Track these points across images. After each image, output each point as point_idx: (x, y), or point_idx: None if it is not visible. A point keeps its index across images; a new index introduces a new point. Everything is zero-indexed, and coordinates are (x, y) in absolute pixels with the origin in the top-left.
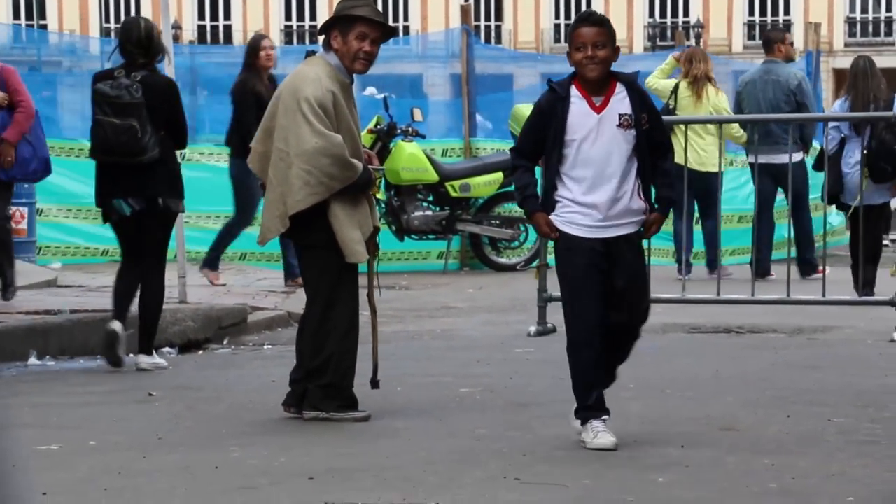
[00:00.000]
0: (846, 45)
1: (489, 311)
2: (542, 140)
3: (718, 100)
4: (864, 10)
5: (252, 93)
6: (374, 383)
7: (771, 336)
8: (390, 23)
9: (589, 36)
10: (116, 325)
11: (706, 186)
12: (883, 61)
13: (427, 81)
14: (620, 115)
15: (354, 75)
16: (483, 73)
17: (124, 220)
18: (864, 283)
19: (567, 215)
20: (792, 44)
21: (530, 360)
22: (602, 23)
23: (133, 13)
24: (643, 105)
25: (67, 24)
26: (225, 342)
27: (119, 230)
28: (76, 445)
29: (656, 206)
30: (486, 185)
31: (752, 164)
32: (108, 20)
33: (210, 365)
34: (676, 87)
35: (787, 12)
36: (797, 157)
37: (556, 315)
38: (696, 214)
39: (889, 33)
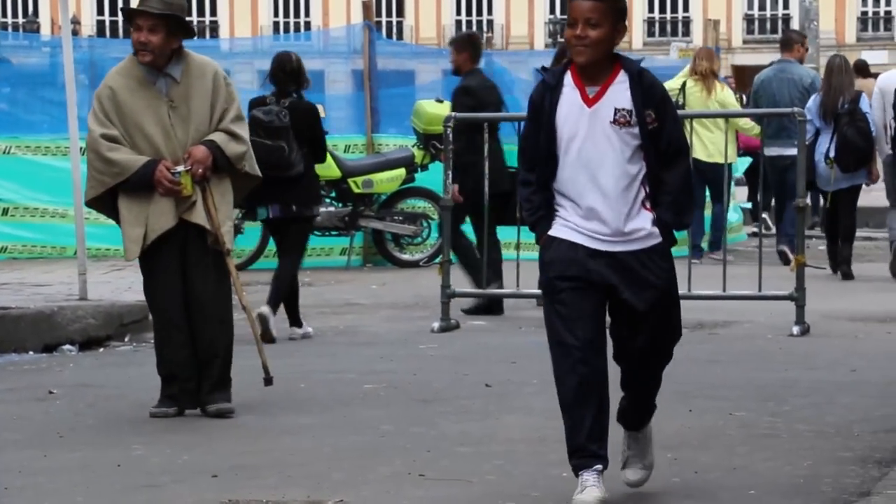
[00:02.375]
0: (744, 41)
1: (393, 308)
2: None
3: (724, 95)
4: (762, 7)
5: None
6: (267, 380)
7: None
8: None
9: (581, 10)
10: (265, 309)
11: (715, 177)
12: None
13: (329, 77)
14: (616, 110)
15: (167, 67)
16: (385, 68)
17: (269, 222)
18: (842, 260)
19: (563, 221)
20: (808, 49)
21: (434, 356)
22: None
23: (30, 9)
24: (649, 99)
25: None
26: (126, 339)
27: (269, 229)
28: None
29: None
30: (388, 181)
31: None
32: (4, 14)
33: (111, 363)
34: (684, 84)
35: (686, 9)
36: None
37: (458, 311)
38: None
39: (786, 31)
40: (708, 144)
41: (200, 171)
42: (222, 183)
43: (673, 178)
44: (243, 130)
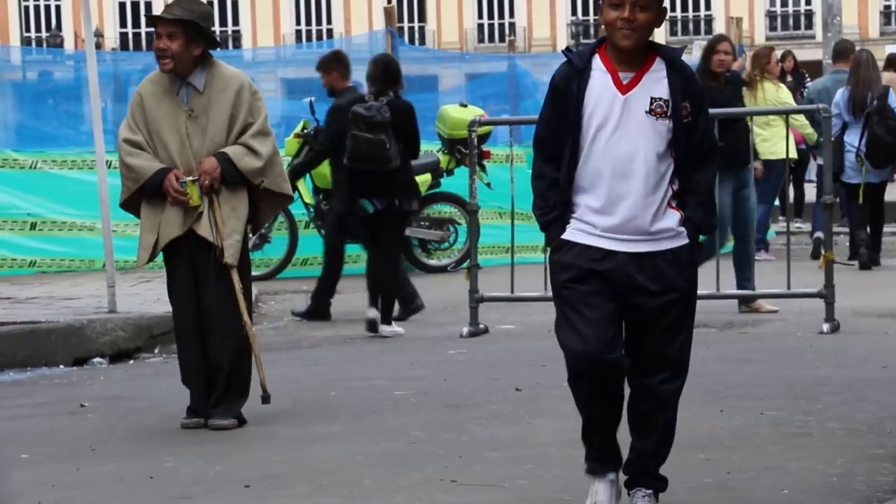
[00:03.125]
0: (767, 38)
1: (421, 313)
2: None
3: (779, 94)
4: (784, 3)
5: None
6: (265, 398)
7: (702, 331)
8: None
9: None
10: (372, 313)
11: (767, 173)
12: (804, 54)
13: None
14: (653, 100)
15: (190, 76)
16: (408, 74)
17: (369, 217)
18: (869, 247)
19: (577, 223)
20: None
21: (463, 361)
22: None
23: (53, 23)
24: (687, 90)
25: None
26: (156, 351)
27: (366, 225)
28: (8, 459)
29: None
30: None
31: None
32: (27, 29)
33: (142, 374)
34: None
35: (707, 7)
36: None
37: (487, 315)
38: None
39: (809, 26)
40: (761, 142)
41: (207, 182)
42: (234, 196)
43: (704, 178)
44: (263, 146)
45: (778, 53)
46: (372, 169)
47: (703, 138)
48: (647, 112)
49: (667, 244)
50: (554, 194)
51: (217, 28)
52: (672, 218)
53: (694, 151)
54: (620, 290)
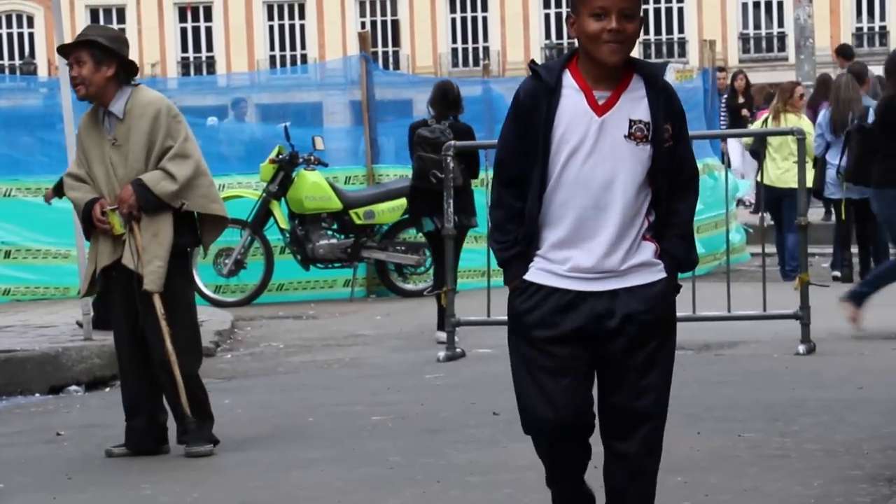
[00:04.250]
0: (740, 61)
1: (398, 338)
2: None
3: (801, 124)
4: (757, 26)
5: None
6: (187, 426)
7: (678, 353)
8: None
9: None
10: (441, 335)
11: (792, 202)
12: (777, 76)
13: (327, 109)
14: (632, 122)
15: (110, 104)
16: (383, 99)
17: (430, 234)
18: (864, 263)
19: (540, 261)
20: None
21: (441, 385)
22: None
23: (26, 51)
24: (669, 111)
25: None
26: None
27: (429, 242)
28: None
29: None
30: (390, 211)
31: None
32: (0, 57)
33: (118, 402)
34: (766, 119)
35: (681, 30)
36: None
37: (464, 339)
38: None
39: (782, 48)
40: (783, 173)
41: (125, 210)
42: (156, 222)
43: (685, 209)
44: (180, 168)
45: (761, 78)
46: (436, 188)
47: (684, 164)
48: (625, 136)
49: (640, 278)
50: (515, 226)
51: (191, 54)
52: (646, 250)
53: (673, 179)
54: (592, 338)
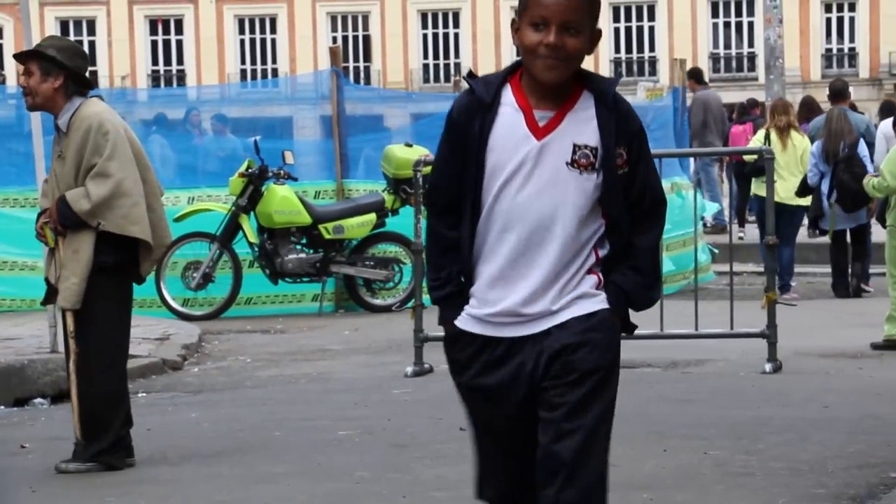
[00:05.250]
0: (711, 80)
1: (366, 353)
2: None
3: (804, 141)
4: (728, 45)
5: None
6: (75, 447)
7: (646, 371)
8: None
9: (558, 9)
10: None
11: (791, 219)
12: (746, 96)
13: (297, 124)
14: (577, 147)
15: (58, 116)
16: (353, 114)
17: None
18: (854, 274)
19: (474, 303)
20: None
21: (408, 400)
22: None
23: None
24: (623, 133)
25: None
26: None
27: None
28: None
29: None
30: (359, 226)
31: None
32: None
33: None
34: (767, 133)
35: (652, 49)
36: None
37: (432, 354)
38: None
39: (752, 68)
40: (791, 188)
41: (51, 225)
42: (77, 239)
43: (645, 241)
44: (97, 188)
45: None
46: None
47: (645, 193)
48: (568, 163)
49: (575, 310)
50: (449, 261)
51: (161, 66)
52: (586, 283)
53: (635, 208)
54: (528, 387)
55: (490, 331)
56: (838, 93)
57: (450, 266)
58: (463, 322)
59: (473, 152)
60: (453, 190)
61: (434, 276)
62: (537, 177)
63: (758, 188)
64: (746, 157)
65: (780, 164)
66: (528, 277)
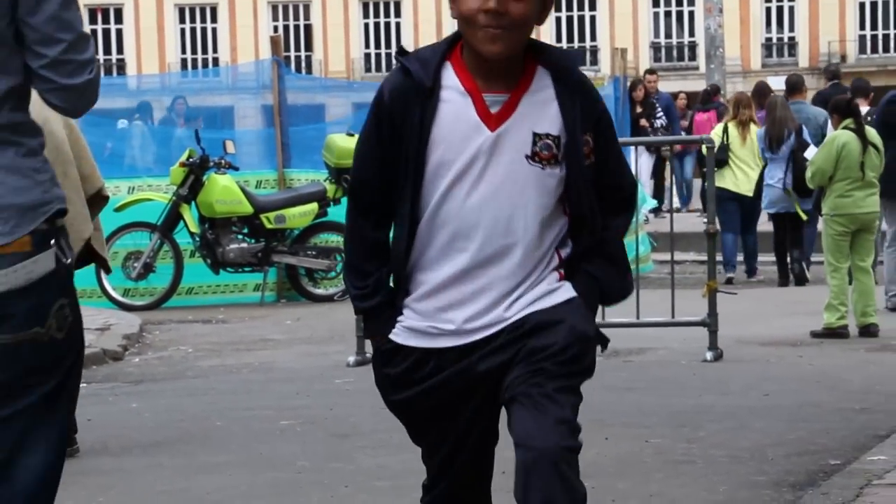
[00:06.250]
0: (652, 69)
1: (308, 343)
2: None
3: (758, 132)
4: (668, 35)
5: None
6: None
7: None
8: (200, 55)
9: None
10: None
11: (753, 208)
12: (688, 85)
13: (238, 113)
14: (537, 137)
15: None
16: (295, 103)
17: None
18: (793, 259)
19: (410, 314)
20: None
21: (350, 390)
22: None
23: None
24: (588, 116)
25: None
26: None
27: None
28: None
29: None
30: (301, 216)
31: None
32: None
33: None
34: (726, 127)
35: (593, 38)
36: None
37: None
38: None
39: (693, 58)
40: (749, 180)
41: None
42: None
43: (617, 232)
44: None
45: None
46: None
47: (617, 183)
48: (528, 157)
49: (534, 307)
50: (375, 266)
51: (101, 56)
52: (545, 281)
53: (604, 202)
54: (482, 401)
55: (432, 342)
56: (793, 87)
57: (376, 272)
58: (399, 335)
59: (413, 147)
60: (381, 187)
61: (359, 283)
62: (492, 174)
63: (720, 180)
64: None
65: (739, 158)
66: (484, 292)
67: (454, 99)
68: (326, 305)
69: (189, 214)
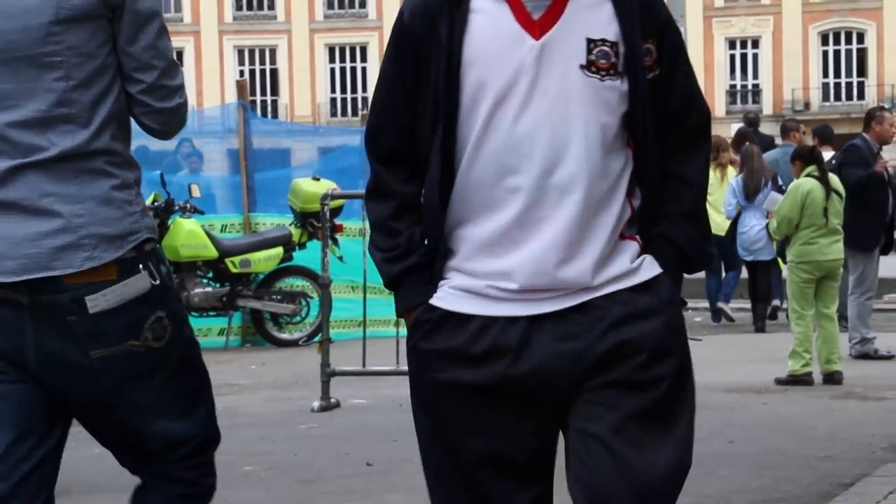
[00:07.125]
0: None
1: (272, 388)
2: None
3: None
4: None
5: None
6: None
7: None
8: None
9: None
10: None
11: (730, 247)
12: None
13: (204, 157)
14: (592, 43)
15: None
16: (261, 147)
17: None
18: (758, 317)
19: (456, 276)
20: (804, 133)
21: (314, 435)
22: None
23: None
24: (650, 21)
25: None
26: None
27: None
28: None
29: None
30: (266, 260)
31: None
32: None
33: None
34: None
35: None
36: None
37: (338, 389)
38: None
39: None
40: (725, 222)
41: None
42: None
43: (695, 174)
44: None
45: None
46: None
47: (689, 104)
48: (582, 66)
49: (615, 285)
50: (406, 224)
51: None
52: (626, 252)
53: (672, 131)
54: (544, 396)
55: (486, 308)
56: (785, 130)
57: (408, 231)
58: (445, 299)
59: (442, 70)
60: (404, 129)
61: (387, 244)
62: (541, 92)
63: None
64: None
65: (718, 199)
66: (542, 234)
67: (487, 7)
68: (291, 350)
69: None
